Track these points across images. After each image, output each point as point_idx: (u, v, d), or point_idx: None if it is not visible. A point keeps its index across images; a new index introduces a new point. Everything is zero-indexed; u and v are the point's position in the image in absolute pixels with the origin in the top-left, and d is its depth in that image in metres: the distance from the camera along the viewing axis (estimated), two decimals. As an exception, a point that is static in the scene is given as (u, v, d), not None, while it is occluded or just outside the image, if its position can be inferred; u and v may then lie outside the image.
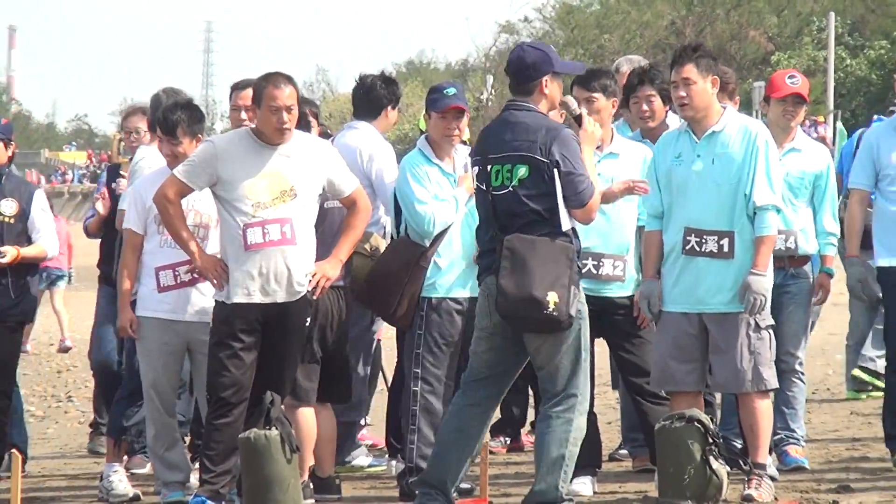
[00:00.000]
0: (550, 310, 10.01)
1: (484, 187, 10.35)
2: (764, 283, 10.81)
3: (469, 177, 11.51)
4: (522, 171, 10.19)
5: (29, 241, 12.37)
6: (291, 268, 10.89)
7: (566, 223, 10.20)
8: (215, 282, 10.85)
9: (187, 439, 12.57)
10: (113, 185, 13.05)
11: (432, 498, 10.44)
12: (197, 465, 11.53)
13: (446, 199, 11.46)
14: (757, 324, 10.86)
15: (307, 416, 11.46)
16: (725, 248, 10.87)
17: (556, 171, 10.16)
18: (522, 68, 10.44)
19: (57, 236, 12.84)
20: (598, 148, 11.40)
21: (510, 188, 10.22)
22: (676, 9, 73.34)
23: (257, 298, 10.86)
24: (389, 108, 12.66)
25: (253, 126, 11.07)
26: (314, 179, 11.00)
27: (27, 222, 12.35)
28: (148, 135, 12.73)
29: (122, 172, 12.91)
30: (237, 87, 12.16)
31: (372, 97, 12.71)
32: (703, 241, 10.76)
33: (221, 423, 11.03)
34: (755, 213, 10.86)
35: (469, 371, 10.58)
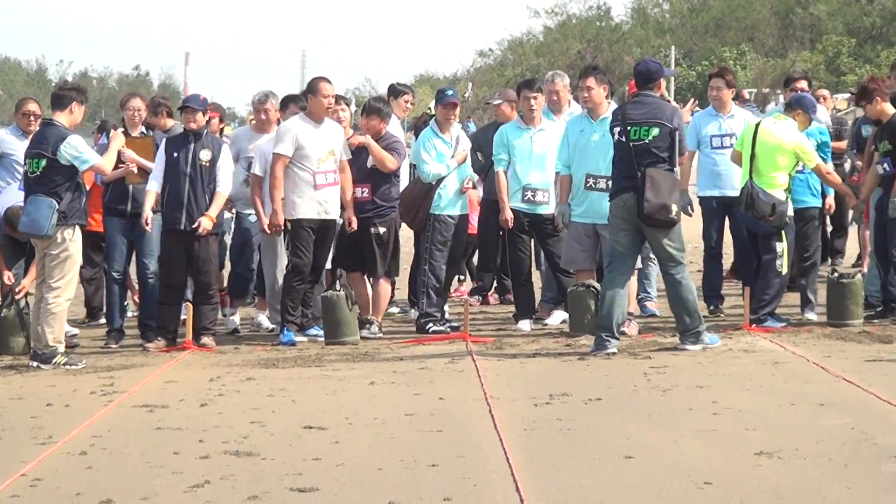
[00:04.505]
0: (673, 214, 9.84)
1: (624, 139, 9.93)
2: None
3: (464, 154, 11.46)
4: (655, 131, 9.90)
5: (215, 181, 10.94)
6: (336, 198, 10.96)
7: (675, 163, 10.02)
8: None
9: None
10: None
11: (605, 339, 9.92)
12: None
13: (443, 161, 11.36)
14: None
15: (374, 285, 11.37)
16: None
17: (676, 133, 9.95)
18: (651, 73, 10.13)
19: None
20: (531, 124, 11.35)
21: (646, 141, 9.91)
22: (580, 43, 73.17)
23: (321, 215, 10.90)
24: (392, 97, 12.60)
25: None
26: (339, 145, 11.00)
27: (216, 166, 10.94)
28: (144, 112, 11.45)
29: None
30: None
31: (390, 95, 12.78)
32: (597, 181, 10.69)
33: (299, 286, 10.99)
34: None
35: (611, 253, 10.10)
